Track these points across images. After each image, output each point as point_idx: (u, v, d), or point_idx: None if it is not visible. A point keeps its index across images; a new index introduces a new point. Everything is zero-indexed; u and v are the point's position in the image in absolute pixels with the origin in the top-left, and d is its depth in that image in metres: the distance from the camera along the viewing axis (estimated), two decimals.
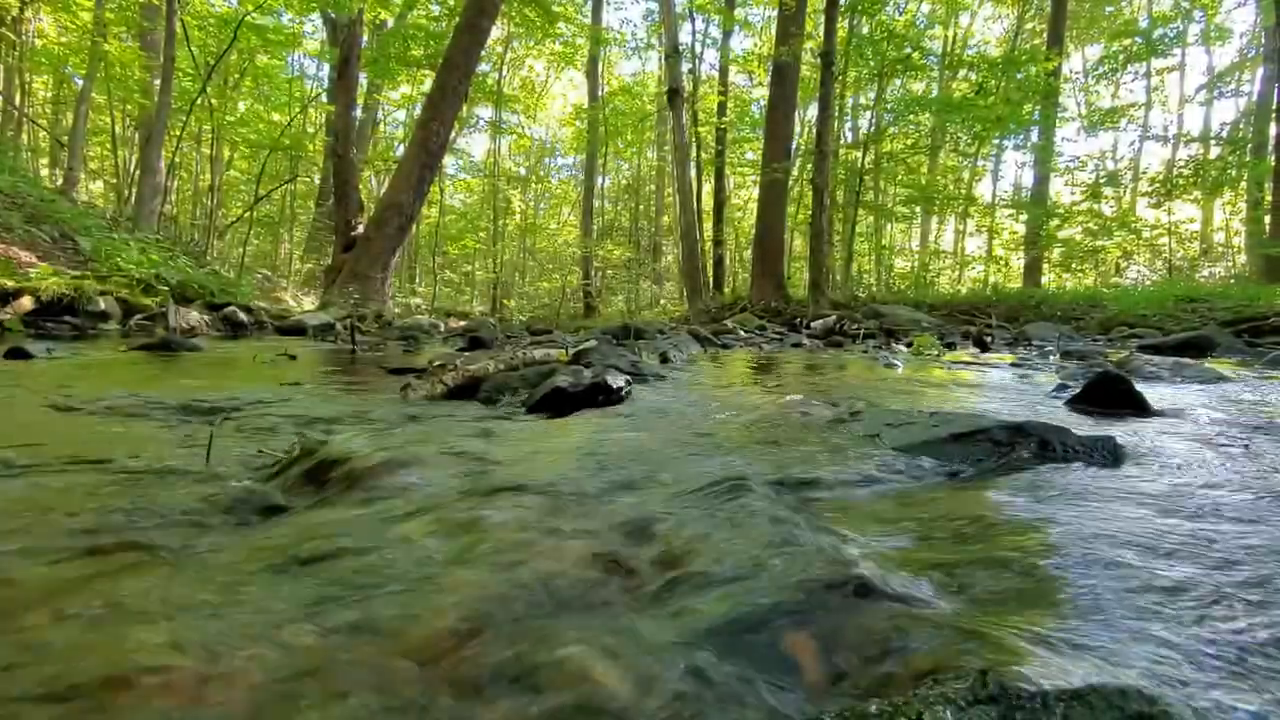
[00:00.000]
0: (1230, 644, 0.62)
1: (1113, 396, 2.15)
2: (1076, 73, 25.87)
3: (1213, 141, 19.77)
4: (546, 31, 20.11)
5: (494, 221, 26.27)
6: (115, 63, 13.68)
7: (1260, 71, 18.30)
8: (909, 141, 18.61)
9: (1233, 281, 14.61)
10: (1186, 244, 20.18)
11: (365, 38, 15.77)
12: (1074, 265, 20.45)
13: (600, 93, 24.43)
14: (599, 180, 26.48)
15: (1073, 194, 20.01)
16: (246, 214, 16.79)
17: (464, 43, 12.35)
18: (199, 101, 13.64)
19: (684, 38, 19.03)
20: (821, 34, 13.51)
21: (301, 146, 19.17)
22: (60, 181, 12.89)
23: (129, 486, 1.14)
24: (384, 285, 12.38)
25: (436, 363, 3.14)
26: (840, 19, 13.69)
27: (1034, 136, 17.29)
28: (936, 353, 5.73)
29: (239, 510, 1.06)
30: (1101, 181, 19.75)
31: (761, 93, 20.01)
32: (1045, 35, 18.57)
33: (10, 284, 5.96)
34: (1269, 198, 13.35)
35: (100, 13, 14.08)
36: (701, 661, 0.58)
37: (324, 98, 19.07)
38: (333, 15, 14.20)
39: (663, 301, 26.06)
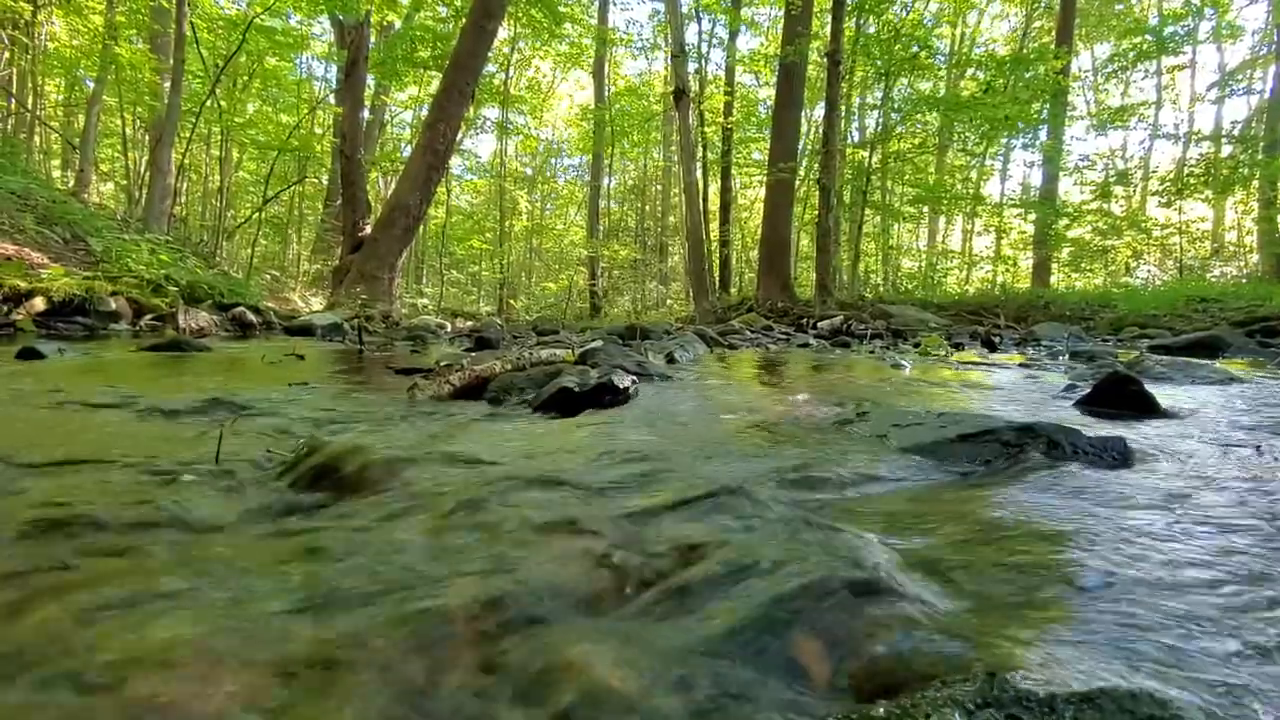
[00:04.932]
0: (1243, 647, 0.61)
1: (1123, 397, 2.13)
2: (1086, 71, 25.68)
3: (1224, 140, 19.59)
4: (553, 32, 20.13)
5: (500, 222, 26.35)
6: (126, 65, 13.78)
7: (1272, 69, 18.13)
8: (916, 141, 18.53)
9: (1245, 281, 14.47)
10: (1198, 243, 20.03)
11: (373, 39, 15.84)
12: (1083, 265, 20.32)
13: (606, 93, 24.45)
14: (605, 181, 26.51)
15: (1082, 193, 19.89)
16: (255, 215, 16.88)
17: (470, 44, 12.38)
18: (208, 103, 13.72)
19: (690, 38, 19.02)
20: (828, 34, 13.48)
21: (309, 148, 19.25)
22: (72, 183, 13.00)
23: (138, 485, 1.15)
24: (391, 286, 12.43)
25: (443, 363, 3.15)
26: (847, 18, 13.65)
27: (1042, 135, 17.18)
28: (944, 353, 5.70)
29: (247, 509, 1.06)
30: (1111, 180, 19.61)
31: (768, 92, 19.98)
32: (1054, 33, 18.46)
33: (23, 285, 6.02)
34: None
35: (111, 16, 14.20)
36: (708, 663, 0.58)
37: (332, 99, 19.14)
38: (341, 17, 14.26)
39: (669, 302, 26.06)
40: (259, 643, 0.60)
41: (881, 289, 18.50)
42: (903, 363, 4.36)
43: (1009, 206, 20.43)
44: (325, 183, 22.37)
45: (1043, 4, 21.60)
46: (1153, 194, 20.31)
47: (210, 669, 0.56)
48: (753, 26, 21.84)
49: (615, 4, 29.36)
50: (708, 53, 20.87)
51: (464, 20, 13.35)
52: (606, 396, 2.16)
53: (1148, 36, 18.67)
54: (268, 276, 18.73)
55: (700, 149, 19.07)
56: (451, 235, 25.83)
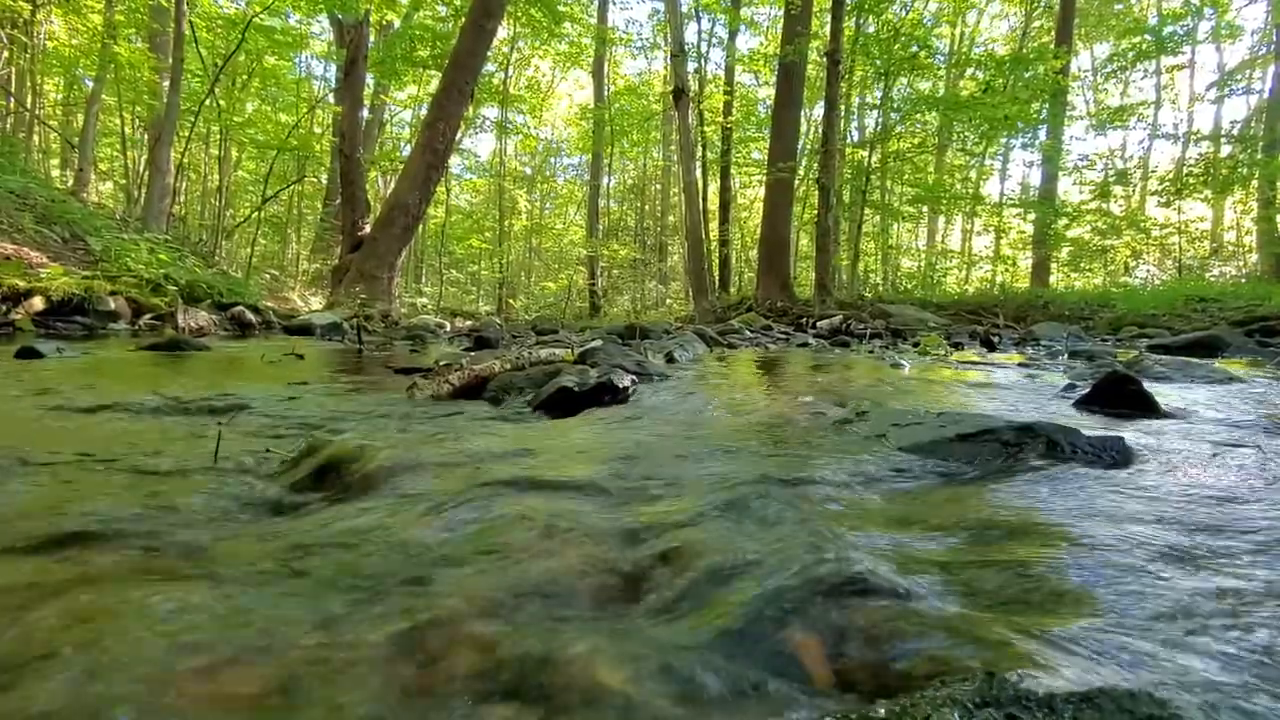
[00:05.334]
0: (1242, 647, 0.61)
1: (1122, 397, 2.13)
2: (1085, 70, 25.70)
3: (1223, 139, 19.60)
4: (552, 31, 20.12)
5: (500, 221, 26.36)
6: (125, 64, 13.76)
7: (1271, 69, 18.13)
8: (915, 141, 18.53)
9: (1244, 281, 14.49)
10: (1197, 243, 20.05)
11: (372, 38, 15.82)
12: (1082, 265, 20.34)
13: (606, 92, 24.45)
14: (605, 180, 26.51)
15: (1081, 193, 19.91)
16: (254, 214, 16.88)
17: (470, 43, 12.38)
18: (207, 102, 13.71)
19: (690, 37, 19.02)
20: (828, 33, 13.48)
21: (309, 147, 19.25)
22: (71, 182, 12.98)
23: (137, 484, 1.15)
24: (390, 285, 12.43)
25: (443, 362, 3.15)
26: (846, 18, 13.64)
27: (1042, 135, 17.19)
28: (943, 352, 5.70)
29: (246, 508, 1.06)
30: (1110, 180, 19.63)
31: (767, 92, 19.97)
32: (1053, 33, 18.46)
33: (22, 284, 6.01)
34: None
35: (110, 15, 14.18)
36: (707, 662, 0.58)
37: (331, 98, 19.14)
38: (340, 16, 14.25)
39: (668, 301, 26.07)
40: (258, 641, 0.60)
41: (881, 289, 18.51)
42: (902, 362, 4.36)
43: (1008, 206, 20.44)
44: (325, 182, 22.36)
45: (1043, 4, 21.60)
46: (1152, 194, 20.34)
47: (210, 668, 0.56)
48: (752, 26, 21.84)
49: (615, 3, 29.40)
50: (707, 52, 20.90)
51: (463, 19, 13.34)
52: (606, 396, 2.16)
53: (1147, 36, 18.68)
54: (267, 276, 18.72)
55: (700, 148, 19.07)
56: (451, 234, 25.83)
